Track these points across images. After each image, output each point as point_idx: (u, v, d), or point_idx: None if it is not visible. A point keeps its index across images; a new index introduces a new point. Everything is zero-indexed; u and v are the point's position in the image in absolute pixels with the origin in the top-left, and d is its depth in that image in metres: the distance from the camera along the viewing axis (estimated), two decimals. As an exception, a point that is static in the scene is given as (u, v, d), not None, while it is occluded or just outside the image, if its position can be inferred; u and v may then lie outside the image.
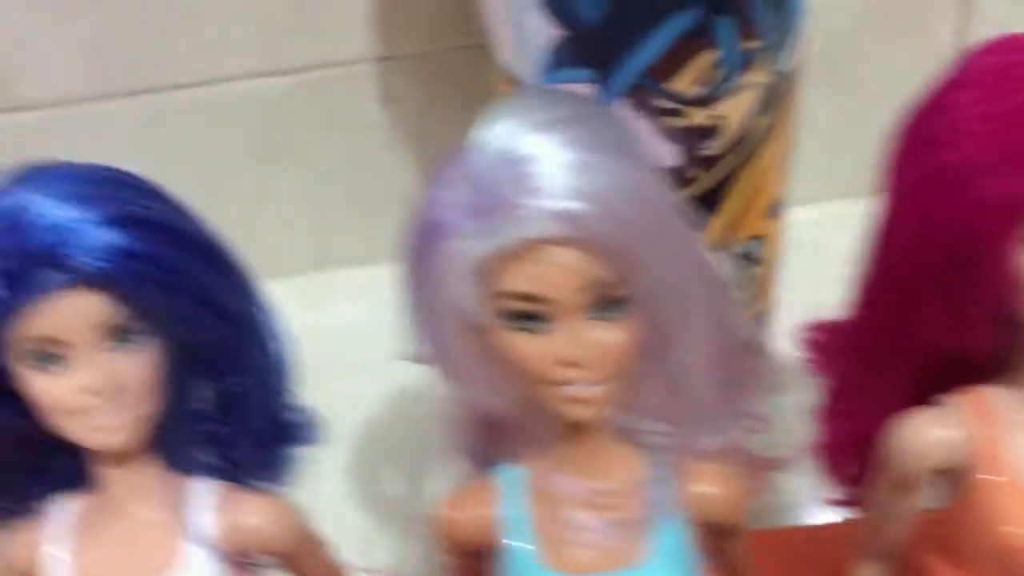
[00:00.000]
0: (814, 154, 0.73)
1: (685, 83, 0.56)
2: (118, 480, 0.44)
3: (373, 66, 0.83)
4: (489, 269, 0.37)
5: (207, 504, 0.45)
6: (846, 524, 0.53)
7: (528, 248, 0.36)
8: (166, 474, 0.45)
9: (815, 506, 0.54)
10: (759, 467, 0.46)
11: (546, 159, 0.36)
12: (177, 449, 0.46)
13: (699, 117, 0.58)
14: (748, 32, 0.55)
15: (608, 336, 0.37)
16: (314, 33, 0.81)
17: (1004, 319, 0.41)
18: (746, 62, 0.56)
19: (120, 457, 0.43)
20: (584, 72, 0.57)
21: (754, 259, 0.67)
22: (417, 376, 0.80)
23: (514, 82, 0.62)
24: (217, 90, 0.83)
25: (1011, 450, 0.42)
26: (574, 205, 0.35)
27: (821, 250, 0.84)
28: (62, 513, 0.45)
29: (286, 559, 0.47)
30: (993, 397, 0.43)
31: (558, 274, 0.36)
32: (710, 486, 0.42)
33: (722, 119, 0.58)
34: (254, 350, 0.45)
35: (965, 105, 0.39)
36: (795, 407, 0.52)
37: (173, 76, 0.83)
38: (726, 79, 0.56)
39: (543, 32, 0.57)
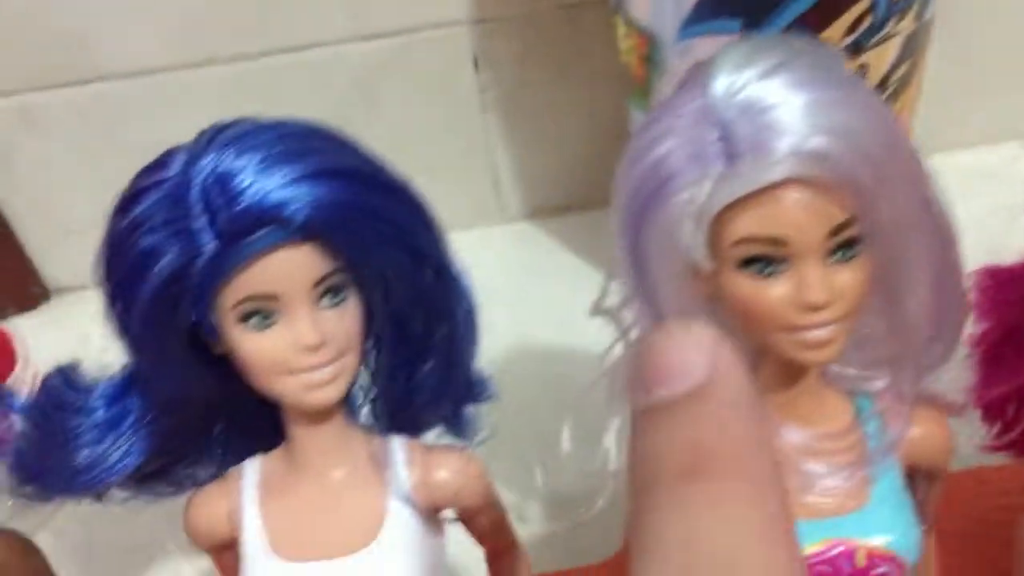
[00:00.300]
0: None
1: (835, 32, 0.56)
2: (314, 439, 0.43)
3: (467, 29, 0.82)
4: (726, 216, 0.36)
5: (400, 460, 0.45)
6: (1005, 469, 0.53)
7: (772, 191, 0.35)
8: (358, 431, 0.45)
9: (972, 451, 0.54)
10: (946, 411, 0.46)
11: (784, 101, 0.35)
12: (367, 406, 0.46)
13: (846, 66, 0.57)
14: (901, -21, 0.55)
15: (849, 276, 0.37)
16: (408, -4, 0.81)
17: None
18: (897, 10, 0.56)
19: (319, 415, 0.43)
20: (731, 23, 0.56)
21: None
22: (509, 334, 0.80)
23: (646, 36, 0.61)
24: (309, 55, 0.83)
25: None
26: (819, 142, 0.35)
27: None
28: (255, 474, 0.45)
29: (471, 513, 0.47)
30: None
31: (803, 215, 0.36)
32: (925, 429, 0.42)
33: (867, 68, 0.58)
34: (452, 304, 0.44)
35: None
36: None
37: (264, 42, 0.82)
38: (877, 28, 0.56)
39: (688, -16, 0.56)
